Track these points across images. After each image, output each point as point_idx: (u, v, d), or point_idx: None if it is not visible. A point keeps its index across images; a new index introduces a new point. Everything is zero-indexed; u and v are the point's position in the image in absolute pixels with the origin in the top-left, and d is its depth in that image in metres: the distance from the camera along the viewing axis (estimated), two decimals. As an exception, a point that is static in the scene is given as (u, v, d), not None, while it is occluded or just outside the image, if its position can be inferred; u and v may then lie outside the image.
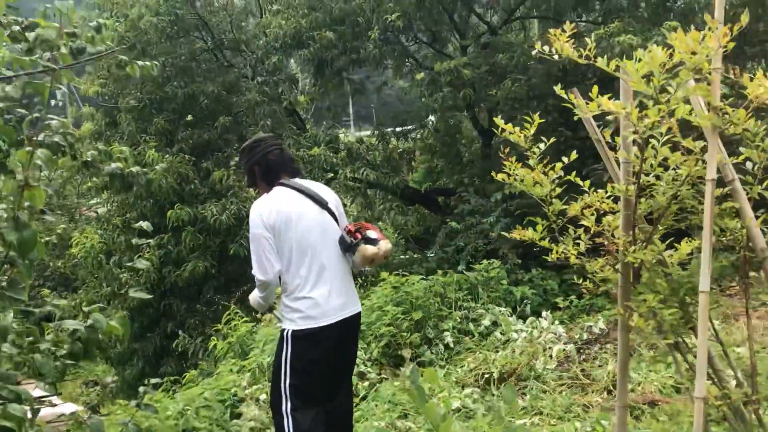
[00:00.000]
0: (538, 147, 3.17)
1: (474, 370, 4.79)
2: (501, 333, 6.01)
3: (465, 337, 6.08)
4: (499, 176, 3.29)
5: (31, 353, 2.29)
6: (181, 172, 8.18)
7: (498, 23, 10.04)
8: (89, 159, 2.87)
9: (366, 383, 5.43)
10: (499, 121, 3.21)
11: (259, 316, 6.33)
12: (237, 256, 7.95)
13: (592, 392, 4.16)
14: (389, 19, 7.77)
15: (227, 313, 6.77)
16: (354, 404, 5.17)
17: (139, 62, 3.37)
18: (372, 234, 3.73)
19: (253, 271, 3.30)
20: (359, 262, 3.71)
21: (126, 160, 3.74)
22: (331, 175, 8.59)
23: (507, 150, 3.44)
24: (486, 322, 6.18)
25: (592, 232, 2.85)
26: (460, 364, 5.42)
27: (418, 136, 10.39)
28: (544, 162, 3.20)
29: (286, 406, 3.26)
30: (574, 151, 3.01)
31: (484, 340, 6.01)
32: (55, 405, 2.69)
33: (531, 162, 3.15)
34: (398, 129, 10.32)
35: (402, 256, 9.38)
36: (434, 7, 8.73)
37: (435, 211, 9.63)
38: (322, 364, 3.47)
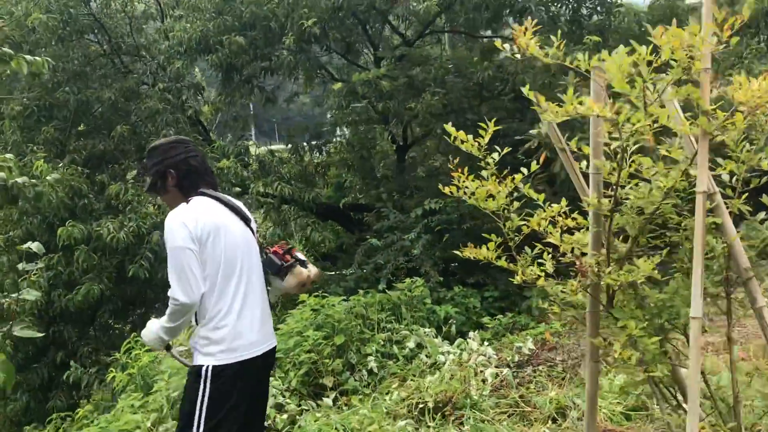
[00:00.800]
0: (492, 157, 2.88)
1: (406, 399, 4.43)
2: (426, 356, 5.70)
3: (389, 360, 5.73)
4: (447, 189, 2.97)
5: None
6: (73, 185, 7.39)
7: (413, 36, 9.85)
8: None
9: (285, 416, 4.96)
10: (450, 128, 2.89)
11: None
12: (136, 277, 7.25)
13: (536, 421, 3.89)
14: (305, 25, 7.37)
15: (127, 341, 6.11)
16: (272, 441, 4.71)
17: (28, 57, 2.91)
18: (301, 256, 3.35)
19: (171, 293, 2.75)
20: (291, 286, 3.30)
21: (10, 169, 3.19)
22: (238, 189, 8.06)
23: (456, 160, 3.13)
24: (410, 344, 5.85)
25: (560, 251, 2.57)
26: (386, 392, 5.06)
27: (331, 149, 10.02)
28: (502, 174, 2.91)
29: None
30: (534, 162, 2.76)
31: (409, 363, 5.68)
32: None
33: (484, 173, 2.84)
34: (313, 142, 9.89)
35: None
36: (347, 17, 8.43)
37: (350, 227, 9.26)
38: (242, 406, 3.04)
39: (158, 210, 7.24)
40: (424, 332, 6.07)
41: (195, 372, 2.84)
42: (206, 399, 2.79)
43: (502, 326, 6.49)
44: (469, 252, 2.94)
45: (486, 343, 5.68)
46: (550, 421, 3.86)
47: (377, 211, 8.53)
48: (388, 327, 6.10)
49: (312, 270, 3.34)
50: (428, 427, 4.13)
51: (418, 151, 10.65)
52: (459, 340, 5.77)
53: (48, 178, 2.79)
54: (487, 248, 3.02)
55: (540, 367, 4.98)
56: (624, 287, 2.48)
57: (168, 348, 3.07)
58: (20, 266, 2.37)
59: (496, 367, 5.10)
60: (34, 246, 2.18)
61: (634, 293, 2.47)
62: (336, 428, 4.35)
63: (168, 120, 8.04)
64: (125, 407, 5.06)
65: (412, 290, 6.60)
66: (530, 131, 6.47)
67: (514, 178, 2.70)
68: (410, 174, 10.08)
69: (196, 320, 2.86)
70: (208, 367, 2.80)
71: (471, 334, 5.95)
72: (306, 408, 5.10)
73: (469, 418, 4.11)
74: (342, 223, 9.47)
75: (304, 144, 9.09)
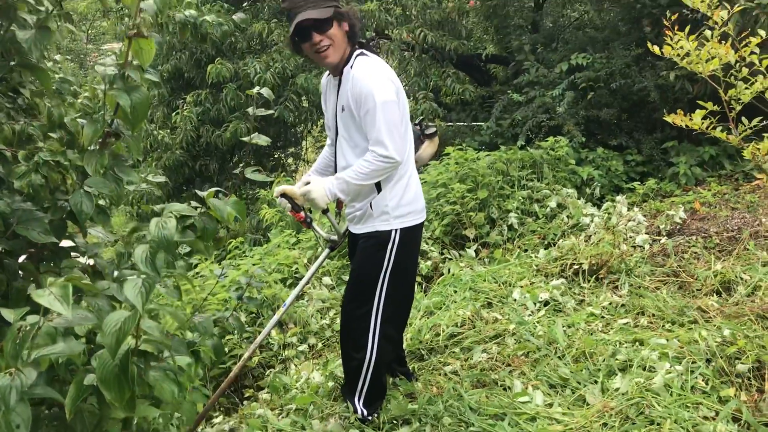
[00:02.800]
0: (720, 15, 2.63)
1: (559, 259, 4.45)
2: (568, 216, 5.65)
3: (528, 218, 5.73)
4: (665, 50, 2.76)
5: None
6: (216, 19, 7.42)
7: None
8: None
9: (429, 262, 5.14)
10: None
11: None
12: (280, 119, 7.42)
13: (698, 293, 3.83)
14: None
15: (276, 178, 6.37)
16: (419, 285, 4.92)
17: None
18: (432, 126, 3.28)
19: (379, 149, 2.64)
20: (426, 155, 3.27)
21: (197, 6, 3.21)
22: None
23: (675, 16, 2.90)
24: (552, 203, 5.79)
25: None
26: (533, 248, 5.11)
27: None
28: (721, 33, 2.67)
29: (375, 325, 2.87)
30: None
31: (549, 222, 5.66)
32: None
33: (715, 33, 2.61)
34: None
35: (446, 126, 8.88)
36: None
37: (486, 81, 8.98)
38: (416, 267, 3.13)
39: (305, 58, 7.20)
40: (566, 192, 5.98)
41: (380, 239, 2.82)
42: (391, 265, 2.83)
43: (647, 192, 6.28)
44: (679, 119, 2.77)
45: (636, 208, 5.53)
46: (714, 294, 3.79)
47: (516, 64, 8.18)
48: (529, 185, 6.04)
49: (437, 143, 3.31)
50: (582, 287, 4.17)
51: (553, 2, 9.95)
52: (607, 204, 5.65)
53: (206, 17, 2.74)
54: (690, 117, 2.88)
55: (693, 238, 4.84)
56: None
57: (325, 211, 2.88)
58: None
59: (646, 233, 5.01)
60: (264, 92, 2.18)
61: None
62: (486, 279, 4.47)
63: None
64: (281, 243, 5.37)
65: (555, 149, 6.43)
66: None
67: (749, 43, 2.47)
68: (547, 26, 9.51)
69: (377, 185, 2.80)
70: (396, 231, 2.81)
71: (618, 197, 5.81)
72: (449, 257, 5.25)
73: (624, 283, 4.11)
74: (478, 75, 9.18)
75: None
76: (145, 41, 1.75)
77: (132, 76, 1.70)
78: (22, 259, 1.70)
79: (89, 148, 1.68)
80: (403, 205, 2.83)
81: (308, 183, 2.80)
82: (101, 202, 1.77)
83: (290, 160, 9.72)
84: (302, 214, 2.89)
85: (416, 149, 3.18)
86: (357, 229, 2.92)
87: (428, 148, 3.23)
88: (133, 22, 1.71)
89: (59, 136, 1.59)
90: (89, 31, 21.59)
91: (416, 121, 3.21)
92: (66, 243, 1.85)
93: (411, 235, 2.87)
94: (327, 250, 3.18)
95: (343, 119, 2.82)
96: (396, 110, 2.68)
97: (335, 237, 3.12)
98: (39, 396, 1.11)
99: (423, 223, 2.96)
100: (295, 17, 2.69)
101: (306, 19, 2.67)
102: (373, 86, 2.64)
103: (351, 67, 2.76)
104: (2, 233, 1.44)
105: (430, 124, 3.30)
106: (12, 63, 1.61)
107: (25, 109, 2.00)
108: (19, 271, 1.57)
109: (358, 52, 2.81)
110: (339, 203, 3.08)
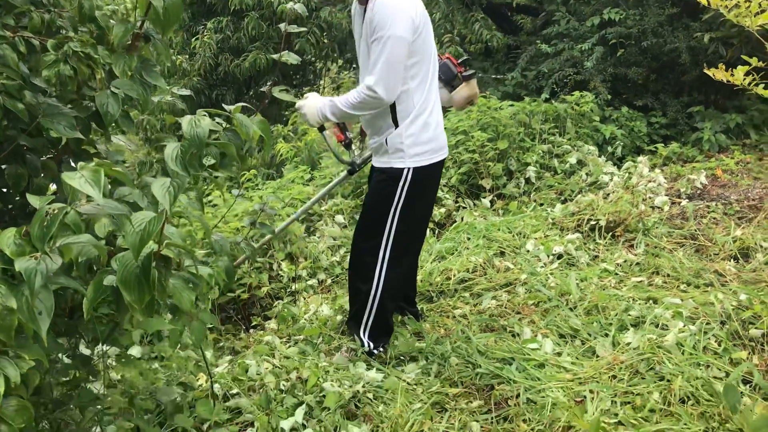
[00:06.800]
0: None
1: (576, 214, 4.39)
2: (587, 174, 5.57)
3: (547, 173, 5.65)
4: (712, 1, 2.65)
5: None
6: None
7: None
8: None
9: (443, 209, 5.10)
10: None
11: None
12: (300, 51, 7.28)
13: (720, 259, 3.78)
14: None
15: (293, 113, 6.28)
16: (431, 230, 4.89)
17: None
18: (470, 71, 3.18)
19: (368, 82, 2.62)
20: (460, 98, 3.18)
21: None
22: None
23: (729, -35, 2.76)
24: (572, 159, 5.70)
25: None
26: (550, 204, 5.05)
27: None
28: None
29: (383, 258, 2.87)
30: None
31: (568, 178, 5.59)
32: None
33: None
34: None
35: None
36: None
37: (513, 29, 8.77)
38: (430, 207, 3.10)
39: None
40: (587, 150, 5.88)
41: (392, 175, 2.81)
42: (402, 200, 2.82)
43: (670, 155, 6.18)
44: (720, 74, 2.68)
45: (657, 170, 5.44)
46: (732, 260, 3.74)
47: (546, 14, 7.97)
48: (550, 139, 5.94)
49: (475, 88, 3.21)
50: (597, 243, 4.12)
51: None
52: (628, 163, 5.56)
53: None
54: (731, 73, 2.79)
55: (713, 203, 4.77)
56: None
57: (321, 129, 2.95)
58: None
59: (666, 195, 4.93)
60: (298, 7, 2.10)
61: None
62: (500, 229, 4.43)
63: None
64: (296, 179, 5.32)
65: (579, 104, 6.31)
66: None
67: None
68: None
69: (395, 121, 2.77)
70: (409, 169, 2.78)
71: (640, 158, 5.71)
72: (463, 206, 5.20)
73: (641, 242, 4.06)
74: (506, 25, 8.96)
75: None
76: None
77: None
78: (45, 156, 1.66)
79: (118, 48, 1.62)
80: (419, 144, 2.78)
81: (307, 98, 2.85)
82: (126, 106, 1.72)
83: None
84: (343, 135, 3.00)
85: (453, 88, 3.10)
86: (375, 161, 2.92)
87: (465, 90, 3.14)
88: None
89: (89, 29, 1.53)
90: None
91: (459, 60, 3.12)
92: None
93: (425, 174, 2.84)
94: (345, 173, 3.21)
95: (363, 48, 2.78)
96: (403, 48, 2.60)
97: (356, 160, 3.12)
98: (62, 285, 1.08)
99: (442, 162, 2.92)
100: None
101: None
102: (390, 17, 2.57)
103: None
104: (26, 126, 1.40)
105: (469, 67, 3.21)
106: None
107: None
108: (41, 168, 1.53)
109: None
110: (363, 132, 3.07)
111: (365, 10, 2.73)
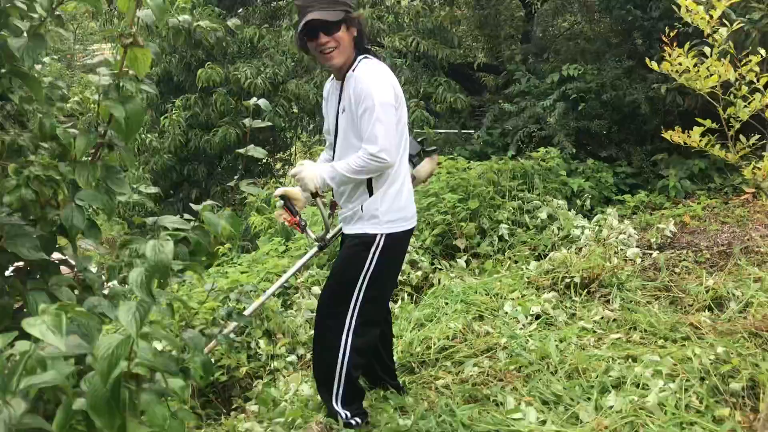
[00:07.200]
0: (720, 33, 2.61)
1: (551, 272, 4.43)
2: (558, 228, 5.64)
3: (519, 229, 5.71)
4: (663, 66, 2.75)
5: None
6: (210, 25, 7.36)
7: None
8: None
9: (419, 272, 5.10)
10: (679, -4, 2.63)
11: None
12: (270, 121, 7.35)
13: (690, 308, 3.82)
14: None
15: (266, 184, 6.31)
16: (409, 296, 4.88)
17: None
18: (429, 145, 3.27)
19: (372, 148, 2.63)
20: (424, 172, 3.25)
21: (192, 12, 3.17)
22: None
23: (673, 33, 2.88)
24: (542, 215, 5.78)
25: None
26: (523, 260, 5.08)
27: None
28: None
29: (349, 326, 2.85)
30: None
31: (540, 233, 5.65)
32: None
33: (714, 50, 2.60)
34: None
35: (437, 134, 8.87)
36: None
37: (477, 89, 8.98)
38: (396, 276, 3.12)
39: (293, 58, 7.16)
40: (557, 204, 5.97)
41: (365, 241, 2.81)
42: (373, 267, 2.81)
43: (638, 204, 6.29)
44: (677, 136, 2.76)
45: (626, 221, 5.53)
46: (706, 310, 3.78)
47: (507, 73, 8.19)
48: (520, 196, 6.03)
49: (436, 162, 3.29)
50: (573, 301, 4.15)
51: (544, 13, 9.97)
52: (598, 216, 5.65)
53: (200, 23, 2.68)
54: (688, 134, 2.86)
55: (684, 251, 4.84)
56: None
57: (314, 195, 2.88)
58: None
59: (637, 247, 5.00)
60: (261, 103, 2.14)
61: None
62: (477, 291, 4.44)
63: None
64: (270, 251, 5.31)
65: (546, 160, 6.43)
66: None
67: (749, 61, 2.46)
68: (537, 36, 9.54)
69: (369, 189, 2.80)
70: (382, 235, 2.79)
71: (609, 209, 5.81)
72: (439, 267, 5.22)
73: (616, 297, 4.09)
74: (469, 84, 9.18)
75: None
76: (140, 50, 1.71)
77: (127, 86, 1.65)
78: (9, 271, 1.64)
79: (81, 159, 1.63)
80: (393, 210, 2.82)
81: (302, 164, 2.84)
82: (92, 214, 1.72)
83: (279, 165, 9.66)
84: (297, 218, 2.94)
85: (414, 165, 3.16)
86: (347, 229, 2.94)
87: (427, 165, 3.21)
88: (129, 31, 1.67)
89: (50, 147, 1.54)
90: (77, 31, 21.43)
91: (419, 139, 3.20)
92: (55, 255, 1.79)
93: (397, 241, 2.86)
94: (315, 248, 3.19)
95: (343, 121, 2.83)
96: (393, 114, 2.68)
97: (327, 235, 3.12)
98: (27, 426, 1.05)
99: (412, 231, 2.95)
100: (305, 15, 2.71)
101: (315, 19, 2.68)
102: (374, 86, 2.65)
103: (353, 70, 2.76)
104: (-11, 247, 1.39)
105: (429, 143, 3.30)
106: (2, 70, 1.56)
107: (13, 116, 1.95)
108: (6, 287, 1.52)
109: (362, 56, 2.81)
110: (333, 204, 3.07)
111: (342, 87, 2.80)
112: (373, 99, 2.63)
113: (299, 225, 2.97)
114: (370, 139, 2.65)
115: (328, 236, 3.16)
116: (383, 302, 3.05)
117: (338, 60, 2.76)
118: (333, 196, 3.10)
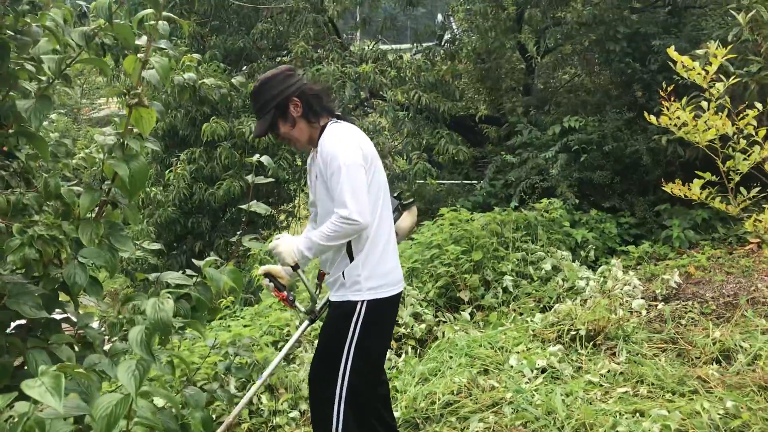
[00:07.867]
0: (716, 88, 2.65)
1: (556, 324, 4.39)
2: (563, 279, 5.61)
3: (523, 280, 5.69)
4: (662, 120, 2.78)
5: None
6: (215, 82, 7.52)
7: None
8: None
9: (423, 325, 5.06)
10: (673, 52, 2.67)
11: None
12: (274, 175, 7.43)
13: (697, 360, 3.77)
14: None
15: (269, 236, 6.32)
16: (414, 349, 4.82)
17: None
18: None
19: (343, 212, 2.59)
20: (406, 226, 3.23)
21: (198, 69, 3.22)
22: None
23: (671, 88, 2.93)
24: (547, 266, 5.76)
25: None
26: (528, 313, 5.04)
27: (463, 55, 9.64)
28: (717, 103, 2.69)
29: (340, 398, 2.76)
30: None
31: (544, 285, 5.62)
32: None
33: (711, 105, 2.63)
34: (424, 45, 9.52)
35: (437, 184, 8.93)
36: None
37: (479, 141, 9.07)
38: (387, 342, 3.04)
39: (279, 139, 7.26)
40: (561, 255, 5.96)
41: (346, 309, 2.73)
42: (357, 336, 2.73)
43: (642, 254, 6.28)
44: (677, 189, 2.77)
45: (631, 272, 5.51)
46: (714, 363, 3.73)
47: (508, 125, 8.28)
48: (523, 247, 6.02)
49: (416, 216, 3.30)
50: (579, 354, 4.10)
51: (544, 65, 10.13)
52: (602, 267, 5.63)
53: (205, 80, 2.72)
54: (688, 187, 2.87)
55: (689, 303, 4.80)
56: None
57: (295, 267, 2.80)
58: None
59: (642, 298, 4.97)
60: (264, 159, 2.17)
61: None
62: (482, 344, 4.39)
63: (307, 19, 7.97)
64: (273, 304, 5.29)
65: (549, 211, 6.45)
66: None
67: (746, 115, 2.49)
68: (538, 88, 9.68)
69: (350, 253, 2.74)
70: (363, 302, 2.72)
71: (613, 260, 5.79)
72: (443, 320, 5.18)
73: (622, 349, 4.05)
74: (471, 136, 9.28)
75: (439, 49, 8.72)
76: (145, 110, 1.74)
77: (131, 145, 1.68)
78: (11, 328, 1.64)
79: (85, 216, 1.64)
80: (376, 276, 2.74)
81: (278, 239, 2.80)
82: (94, 270, 1.72)
83: (282, 217, 9.70)
84: (285, 293, 2.90)
85: (394, 221, 3.13)
86: (331, 296, 2.86)
87: (406, 219, 3.19)
88: (134, 91, 1.70)
89: (54, 205, 1.55)
90: (84, 86, 21.79)
91: (395, 194, 3.17)
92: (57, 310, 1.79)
93: (381, 308, 2.76)
94: (307, 322, 3.12)
95: (320, 189, 2.79)
96: (361, 174, 2.64)
97: (315, 307, 3.05)
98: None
99: (398, 297, 2.87)
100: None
101: (256, 132, 2.85)
102: (338, 149, 2.64)
103: (321, 137, 2.76)
104: (-9, 306, 1.39)
105: (407, 196, 3.29)
106: (10, 131, 1.59)
107: (19, 173, 1.97)
108: (6, 345, 1.51)
109: (332, 122, 2.80)
110: (321, 274, 2.98)
111: (316, 156, 2.80)
112: (338, 160, 2.61)
113: (287, 300, 2.93)
114: (339, 202, 2.61)
115: (317, 308, 3.06)
116: (373, 372, 2.93)
117: (300, 143, 2.85)
118: (320, 265, 3.04)
